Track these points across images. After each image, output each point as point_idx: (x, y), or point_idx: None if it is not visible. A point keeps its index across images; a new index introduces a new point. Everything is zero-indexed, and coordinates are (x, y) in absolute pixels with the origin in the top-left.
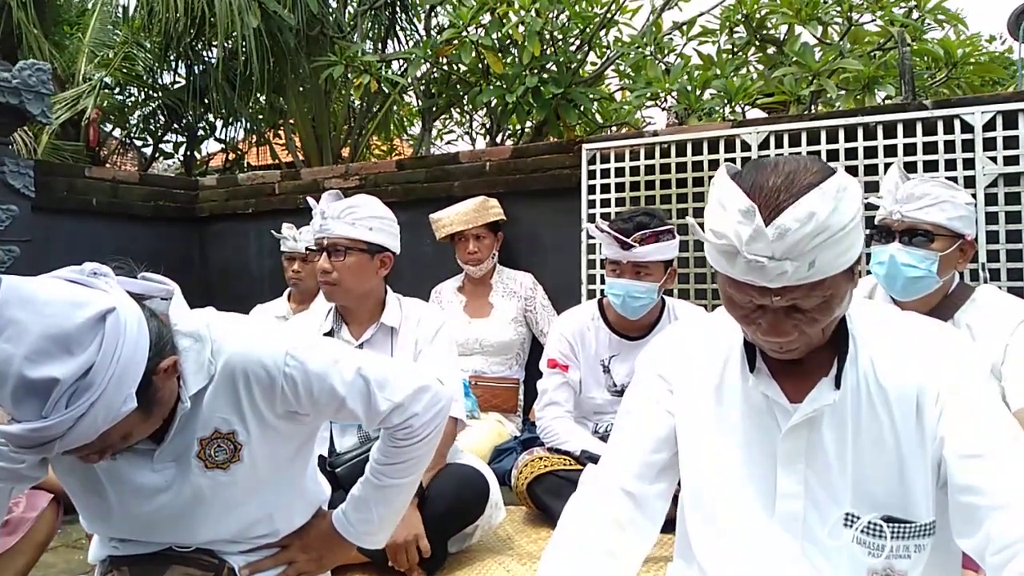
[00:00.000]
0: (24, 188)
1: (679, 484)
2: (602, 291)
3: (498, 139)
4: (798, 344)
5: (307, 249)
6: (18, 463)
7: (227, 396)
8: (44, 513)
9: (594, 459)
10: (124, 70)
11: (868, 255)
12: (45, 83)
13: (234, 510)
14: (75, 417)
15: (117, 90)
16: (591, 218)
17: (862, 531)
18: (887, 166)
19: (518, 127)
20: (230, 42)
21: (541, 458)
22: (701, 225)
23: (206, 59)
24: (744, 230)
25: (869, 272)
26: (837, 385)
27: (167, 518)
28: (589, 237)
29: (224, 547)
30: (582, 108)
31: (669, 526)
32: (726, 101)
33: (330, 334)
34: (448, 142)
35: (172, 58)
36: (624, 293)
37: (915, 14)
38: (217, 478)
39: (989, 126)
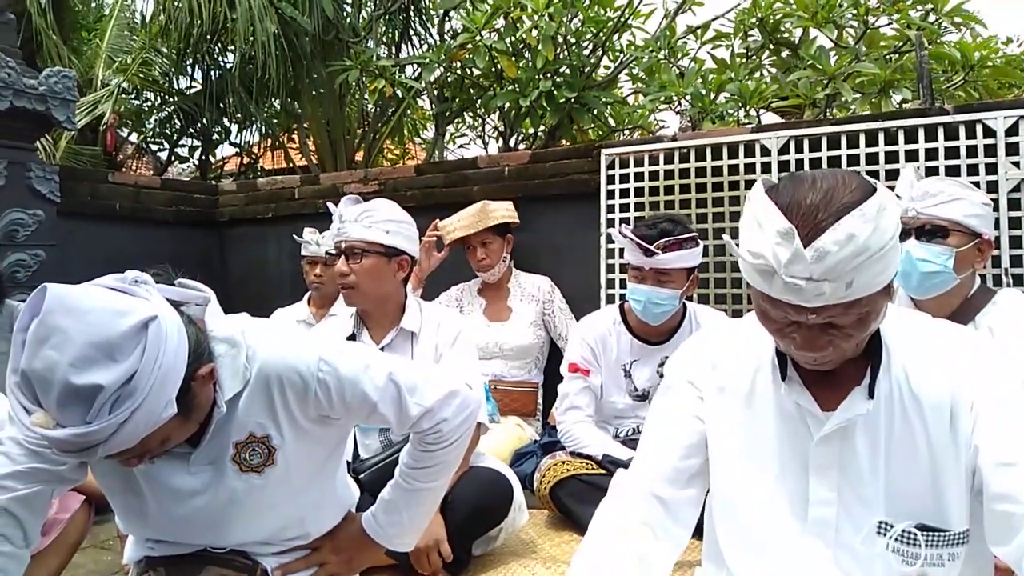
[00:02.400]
0: (49, 193)
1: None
2: (622, 296)
3: (511, 143)
4: (832, 358)
5: (327, 253)
6: (59, 465)
7: (262, 401)
8: (76, 515)
9: (616, 463)
10: (141, 75)
11: None
12: (70, 90)
13: (267, 512)
14: (118, 423)
15: (134, 95)
16: (610, 223)
17: (896, 539)
18: None
19: (531, 131)
20: (246, 47)
21: (564, 462)
22: (735, 237)
23: (222, 64)
24: (782, 252)
25: None
26: (870, 394)
27: (203, 520)
28: (609, 241)
29: (257, 548)
30: (595, 112)
31: (696, 531)
32: (740, 105)
33: (352, 338)
34: (461, 146)
35: (188, 63)
36: (646, 299)
37: (932, 17)
38: (251, 481)
39: (1012, 131)
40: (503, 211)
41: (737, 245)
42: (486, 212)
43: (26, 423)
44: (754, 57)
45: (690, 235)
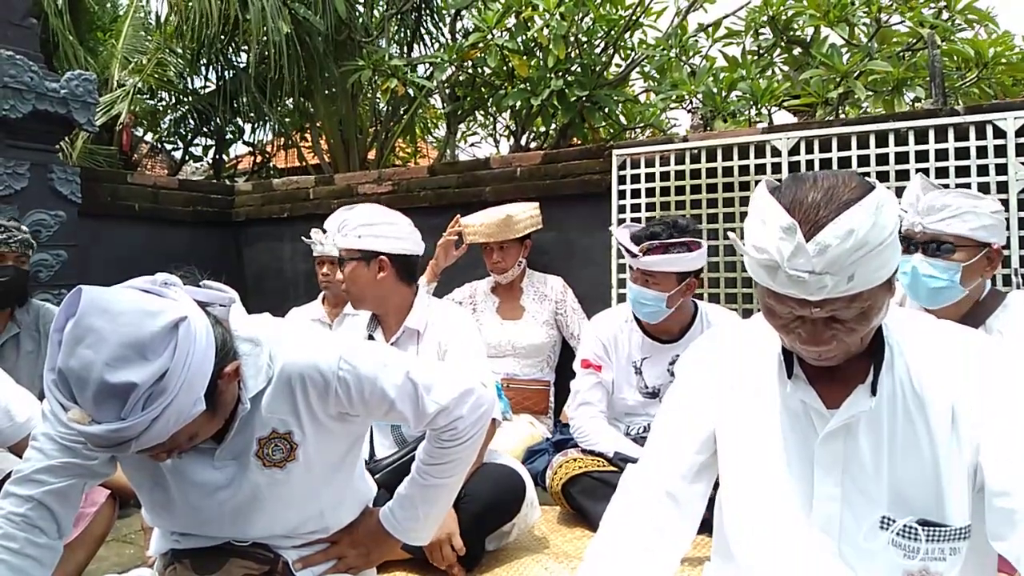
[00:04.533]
0: (71, 194)
1: (714, 486)
2: None
3: (523, 141)
4: (836, 352)
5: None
6: (91, 460)
7: (284, 398)
8: (101, 508)
9: (627, 460)
10: (156, 75)
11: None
12: (91, 92)
13: (289, 506)
14: (150, 419)
15: (149, 95)
16: (621, 223)
17: (898, 534)
18: (919, 171)
19: (543, 129)
20: (259, 47)
21: (575, 459)
22: (741, 237)
23: (236, 64)
24: (785, 246)
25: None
26: (873, 392)
27: (227, 513)
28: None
29: (279, 542)
30: (607, 110)
31: (705, 528)
32: (752, 103)
33: (370, 337)
34: (472, 144)
35: (203, 63)
36: (633, 298)
37: (945, 14)
38: (274, 476)
39: (1022, 132)
40: (528, 222)
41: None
42: (510, 224)
43: (63, 419)
44: (765, 55)
45: (681, 240)
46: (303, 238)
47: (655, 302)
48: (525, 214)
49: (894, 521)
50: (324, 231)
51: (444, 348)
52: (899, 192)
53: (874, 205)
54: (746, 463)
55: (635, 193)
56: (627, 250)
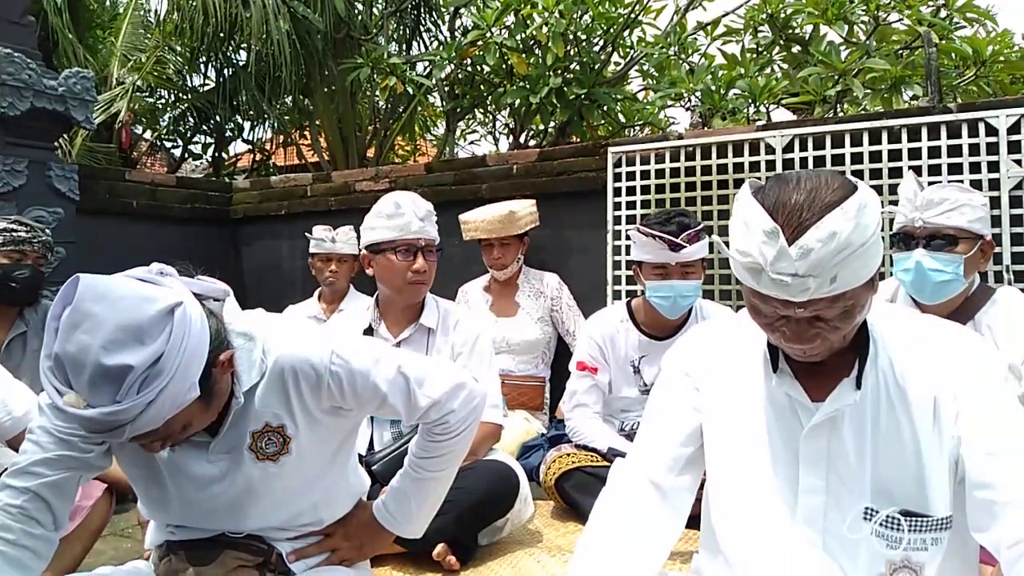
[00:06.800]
0: (69, 191)
1: (703, 480)
2: (629, 293)
3: (522, 139)
4: (820, 350)
5: (366, 247)
6: (87, 453)
7: (277, 392)
8: (98, 502)
9: (620, 455)
10: (155, 73)
11: (890, 257)
12: (89, 90)
13: (283, 500)
14: (145, 403)
15: (148, 93)
16: (617, 220)
17: (881, 524)
18: (912, 169)
19: (542, 127)
20: (259, 45)
21: (569, 455)
22: (726, 242)
23: (235, 62)
24: (768, 250)
25: (891, 275)
26: (858, 386)
27: (221, 506)
28: (616, 239)
29: (273, 534)
30: (606, 108)
31: (693, 522)
32: (750, 101)
33: (369, 331)
34: (472, 142)
35: (202, 61)
36: (674, 295)
37: (943, 12)
38: (267, 469)
39: (1014, 129)
40: (528, 218)
41: (727, 245)
42: (512, 220)
43: (59, 404)
44: (764, 53)
45: (701, 225)
46: (305, 234)
47: (695, 291)
48: (526, 210)
49: (877, 512)
50: (418, 216)
51: (458, 351)
52: (892, 189)
53: (856, 207)
54: (732, 456)
55: (631, 191)
56: (671, 244)
